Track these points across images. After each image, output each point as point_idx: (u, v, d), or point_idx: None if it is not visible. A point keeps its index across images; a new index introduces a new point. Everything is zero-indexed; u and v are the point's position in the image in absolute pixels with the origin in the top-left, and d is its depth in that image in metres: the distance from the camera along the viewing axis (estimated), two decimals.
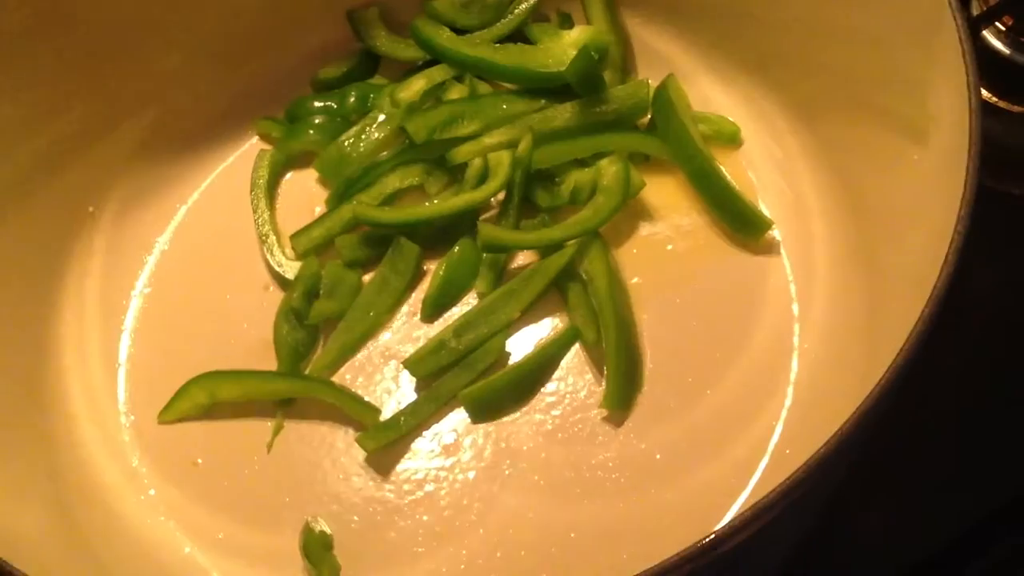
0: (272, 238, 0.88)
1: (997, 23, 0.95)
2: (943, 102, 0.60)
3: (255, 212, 0.89)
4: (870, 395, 0.47)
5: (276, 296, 0.85)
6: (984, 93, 0.97)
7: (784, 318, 0.79)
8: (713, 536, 0.46)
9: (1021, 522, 0.81)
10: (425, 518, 0.75)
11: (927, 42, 0.62)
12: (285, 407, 0.81)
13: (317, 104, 0.93)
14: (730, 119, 0.88)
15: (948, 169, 0.56)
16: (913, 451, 0.83)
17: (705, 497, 0.73)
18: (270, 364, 0.82)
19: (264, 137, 0.94)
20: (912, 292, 0.55)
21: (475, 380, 0.79)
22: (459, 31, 0.92)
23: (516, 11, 0.92)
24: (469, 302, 0.84)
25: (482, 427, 0.78)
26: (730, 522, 0.47)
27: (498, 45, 0.90)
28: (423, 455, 0.78)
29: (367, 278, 0.85)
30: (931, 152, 0.62)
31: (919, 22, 0.62)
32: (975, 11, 0.97)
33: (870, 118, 0.74)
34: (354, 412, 0.79)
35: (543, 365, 0.80)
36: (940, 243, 0.52)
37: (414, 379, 0.81)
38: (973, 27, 0.94)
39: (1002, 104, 0.97)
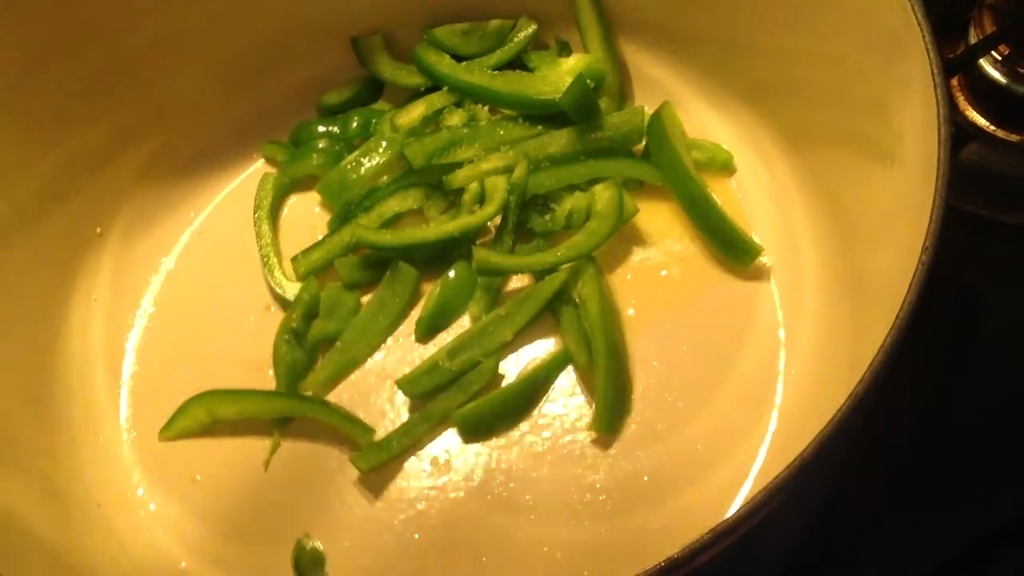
0: (273, 259, 0.89)
1: (994, 52, 0.95)
2: (917, 131, 0.61)
3: (258, 234, 0.91)
4: (829, 422, 0.48)
5: (277, 316, 0.87)
6: (981, 122, 0.97)
7: (771, 343, 0.80)
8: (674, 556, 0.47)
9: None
10: (416, 536, 0.76)
11: (902, 73, 0.63)
12: (282, 426, 0.82)
13: (321, 128, 0.95)
14: (723, 147, 0.89)
15: (919, 194, 0.57)
16: (924, 476, 0.83)
17: (690, 519, 0.74)
18: (269, 383, 0.84)
19: (269, 160, 0.96)
20: (887, 320, 0.56)
21: (468, 401, 0.80)
22: (460, 58, 0.94)
23: (515, 39, 0.94)
24: (463, 324, 0.85)
25: (474, 447, 0.79)
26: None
27: (497, 72, 0.92)
28: (415, 474, 0.79)
29: (365, 299, 0.87)
30: (904, 178, 0.63)
31: (896, 54, 0.63)
32: (972, 39, 0.97)
33: (852, 145, 0.75)
34: (349, 431, 0.80)
35: (535, 387, 0.81)
36: (908, 270, 0.53)
37: (408, 399, 0.82)
38: (970, 56, 0.95)
39: (999, 133, 0.96)
